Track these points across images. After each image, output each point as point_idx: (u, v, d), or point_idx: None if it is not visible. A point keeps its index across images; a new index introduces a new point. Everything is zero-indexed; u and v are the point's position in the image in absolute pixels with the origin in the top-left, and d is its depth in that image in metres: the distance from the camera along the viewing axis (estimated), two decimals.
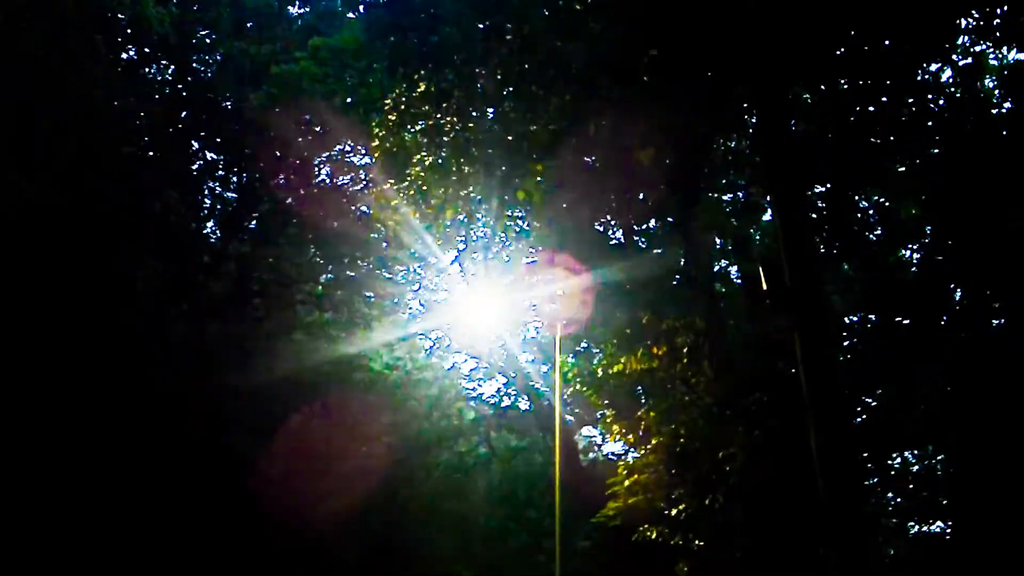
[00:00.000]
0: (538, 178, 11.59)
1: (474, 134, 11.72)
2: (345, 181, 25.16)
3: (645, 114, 9.95)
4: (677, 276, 15.14)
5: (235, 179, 25.43)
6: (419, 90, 11.94)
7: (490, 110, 11.87)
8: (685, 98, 9.67)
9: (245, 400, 22.83)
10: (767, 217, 22.37)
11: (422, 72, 11.70)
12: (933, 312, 15.61)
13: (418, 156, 12.57)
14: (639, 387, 15.25)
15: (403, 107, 12.40)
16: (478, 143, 11.73)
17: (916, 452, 17.91)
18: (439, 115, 11.91)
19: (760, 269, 9.39)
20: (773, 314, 9.83)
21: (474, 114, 11.71)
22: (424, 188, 12.89)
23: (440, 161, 12.33)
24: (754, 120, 11.12)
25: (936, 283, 15.14)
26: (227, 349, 23.32)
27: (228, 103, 20.35)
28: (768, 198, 12.42)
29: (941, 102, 10.75)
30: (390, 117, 12.81)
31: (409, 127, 12.55)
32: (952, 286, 15.44)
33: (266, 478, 21.28)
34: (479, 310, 21.64)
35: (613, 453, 27.85)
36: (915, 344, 15.37)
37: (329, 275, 27.34)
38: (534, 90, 10.24)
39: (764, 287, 9.34)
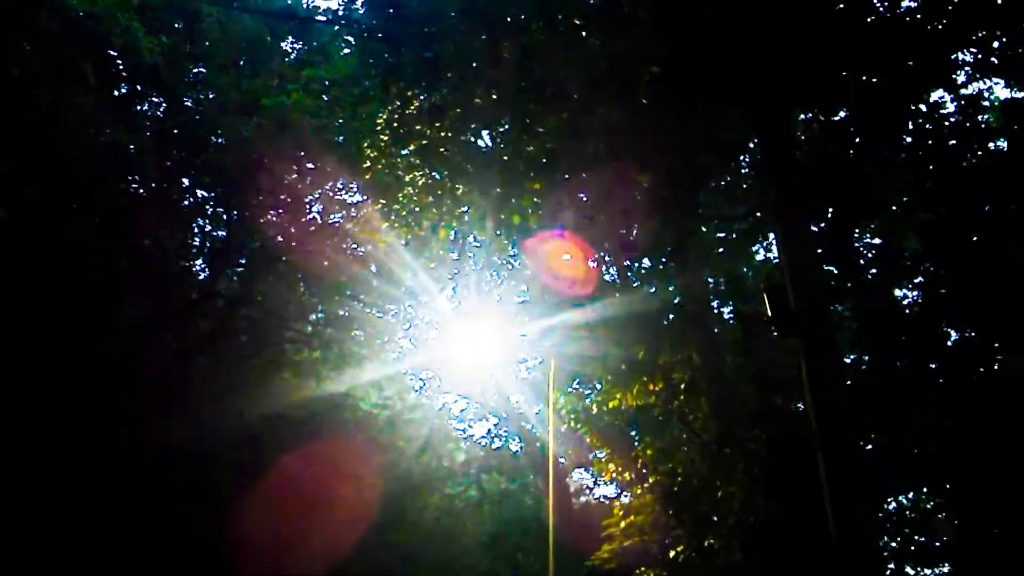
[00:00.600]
0: (534, 198, 11.37)
1: (469, 152, 11.51)
2: (337, 219, 25.00)
3: (643, 136, 9.79)
4: (672, 312, 14.94)
5: (224, 215, 25.19)
6: (413, 107, 11.76)
7: (485, 132, 11.71)
8: (684, 120, 9.52)
9: (230, 439, 22.39)
10: (761, 258, 22.36)
11: (416, 89, 11.51)
12: (931, 349, 15.42)
13: (411, 176, 12.33)
14: (635, 424, 14.94)
15: (396, 125, 12.19)
16: (473, 161, 11.51)
17: (912, 495, 17.60)
18: (433, 133, 11.69)
19: (764, 295, 9.17)
20: (779, 339, 9.57)
21: (470, 131, 11.49)
22: (416, 209, 12.65)
23: (433, 181, 12.09)
24: (753, 145, 11.05)
25: (935, 319, 14.96)
26: (213, 386, 22.88)
27: (219, 138, 20.17)
28: (770, 225, 12.25)
29: (942, 132, 10.65)
30: (382, 137, 12.61)
31: (402, 146, 12.32)
32: (951, 322, 15.27)
33: (250, 519, 20.75)
34: (471, 346, 21.36)
35: (606, 496, 27.45)
36: (913, 383, 15.16)
37: (319, 313, 27.00)
38: (531, 107, 10.06)
39: (769, 312, 9.11)
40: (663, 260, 15.82)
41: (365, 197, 18.14)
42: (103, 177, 21.32)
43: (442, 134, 11.62)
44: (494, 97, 10.49)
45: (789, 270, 8.90)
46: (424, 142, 11.83)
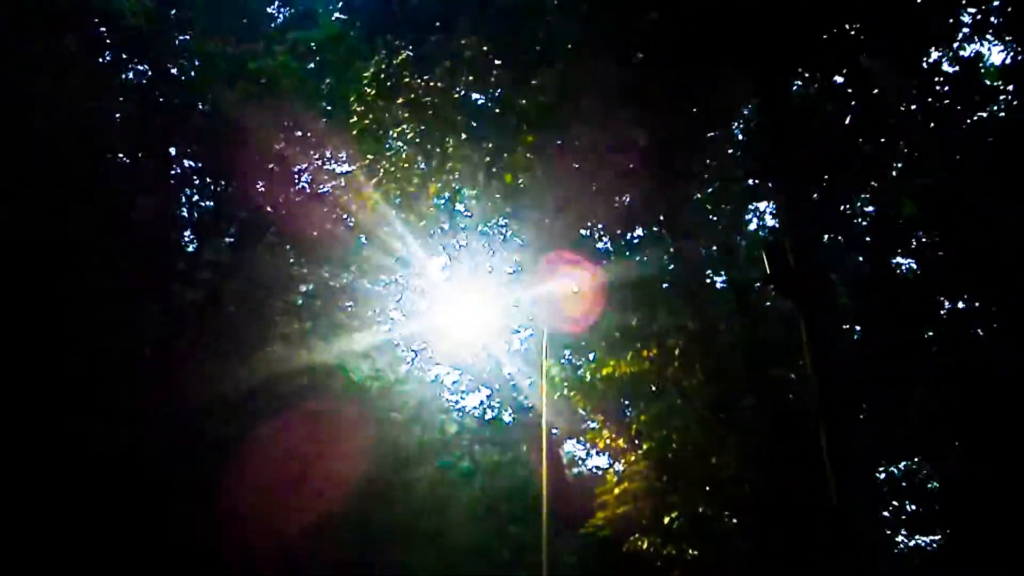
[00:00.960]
0: (527, 154, 11.05)
1: (459, 105, 11.16)
2: (326, 189, 24.64)
3: (639, 93, 9.50)
4: (666, 278, 14.76)
5: (212, 185, 24.79)
6: (400, 58, 11.37)
7: (475, 85, 11.28)
8: (680, 78, 9.23)
9: (217, 411, 22.19)
10: (754, 227, 22.15)
11: (403, 40, 11.08)
12: (929, 318, 15.27)
13: (399, 131, 11.99)
14: (628, 392, 14.77)
15: (383, 78, 11.81)
16: (463, 113, 11.16)
17: (905, 464, 17.53)
18: (421, 85, 11.32)
19: (763, 253, 8.96)
20: (777, 297, 9.37)
21: (460, 84, 11.11)
22: (405, 165, 12.30)
23: (422, 135, 11.74)
24: (750, 109, 10.79)
25: (932, 287, 14.80)
26: (200, 358, 22.62)
27: (205, 104, 19.75)
28: (767, 187, 12.02)
29: (941, 93, 10.40)
30: (368, 91, 12.24)
31: (389, 100, 11.94)
32: (947, 292, 15.10)
33: (237, 491, 20.56)
34: (463, 315, 21.12)
35: (599, 468, 27.39)
36: (909, 351, 15.01)
37: (309, 285, 26.69)
38: (523, 59, 9.71)
39: (768, 270, 8.90)
40: (656, 227, 15.63)
41: (355, 165, 17.69)
42: (85, 147, 20.92)
43: (431, 84, 11.25)
44: (484, 49, 10.15)
45: (788, 231, 8.68)
46: (412, 96, 11.46)
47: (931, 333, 15.43)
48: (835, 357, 8.38)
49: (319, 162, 23.09)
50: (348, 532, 24.32)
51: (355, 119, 12.73)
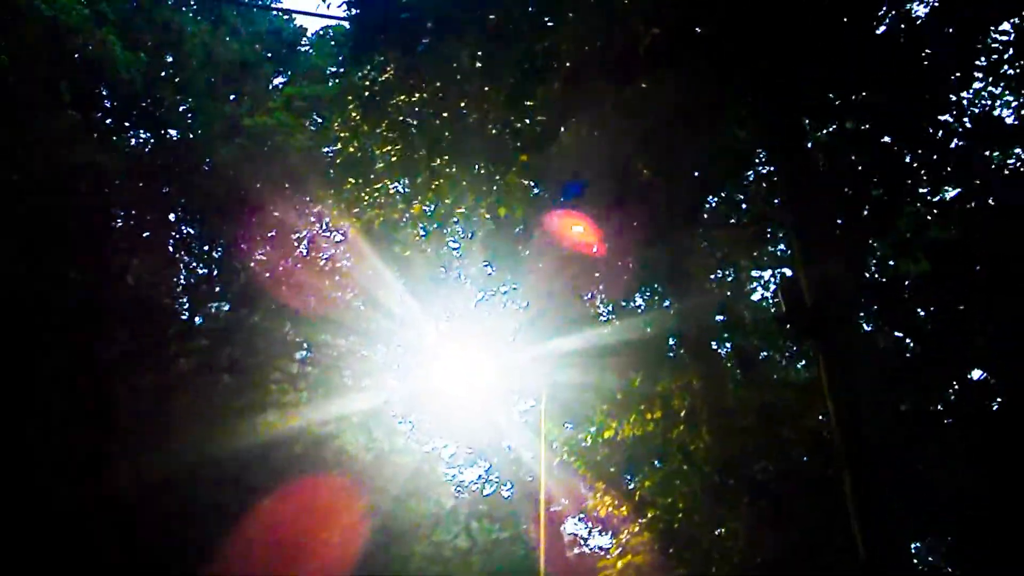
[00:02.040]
0: (523, 180, 10.59)
1: (449, 121, 10.70)
2: (326, 255, 24.40)
3: (642, 116, 9.13)
4: (671, 337, 14.23)
5: (208, 248, 24.58)
6: (388, 74, 10.94)
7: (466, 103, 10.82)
8: (688, 96, 8.85)
9: (210, 481, 21.49)
10: (757, 296, 21.68)
11: (392, 53, 10.66)
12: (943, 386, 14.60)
13: (384, 150, 11.52)
14: (631, 456, 14.08)
15: (368, 95, 11.37)
16: (453, 130, 10.68)
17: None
18: (409, 100, 10.86)
19: (780, 292, 8.44)
20: (795, 339, 8.80)
21: (449, 98, 10.60)
22: (390, 191, 11.82)
23: (408, 153, 11.24)
24: (759, 155, 10.45)
25: (943, 352, 14.17)
26: (193, 427, 21.99)
27: (205, 165, 19.61)
28: (780, 227, 11.55)
29: (962, 129, 10.02)
30: (353, 114, 11.83)
31: (375, 118, 11.49)
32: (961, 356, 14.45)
33: (228, 563, 19.73)
34: (460, 381, 20.55)
35: (601, 547, 26.32)
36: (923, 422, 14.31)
37: (305, 351, 26.21)
38: (516, 76, 9.32)
39: (784, 310, 8.37)
40: (659, 286, 15.17)
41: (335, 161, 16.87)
42: (79, 203, 20.75)
43: (419, 98, 10.80)
44: (478, 65, 9.80)
45: (806, 271, 8.14)
46: (400, 117, 11.05)
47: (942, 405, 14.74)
48: (861, 404, 7.75)
49: (318, 226, 22.85)
50: None
51: (339, 146, 12.38)
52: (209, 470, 21.97)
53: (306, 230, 23.51)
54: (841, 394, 7.83)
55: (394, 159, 11.54)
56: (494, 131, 10.39)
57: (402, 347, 24.28)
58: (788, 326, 8.89)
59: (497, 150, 10.49)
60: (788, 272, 14.36)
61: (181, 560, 19.86)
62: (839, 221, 10.17)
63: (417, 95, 10.79)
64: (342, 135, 12.42)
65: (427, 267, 19.17)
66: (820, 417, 13.74)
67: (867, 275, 12.45)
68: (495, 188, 10.90)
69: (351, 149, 12.26)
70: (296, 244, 24.01)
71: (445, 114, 10.58)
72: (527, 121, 9.91)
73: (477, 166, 10.88)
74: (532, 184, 10.96)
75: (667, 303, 14.90)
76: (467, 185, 11.15)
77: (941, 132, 10.28)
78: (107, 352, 22.66)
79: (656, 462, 13.44)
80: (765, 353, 19.72)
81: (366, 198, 12.53)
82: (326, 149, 16.42)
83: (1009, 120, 10.67)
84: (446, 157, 10.97)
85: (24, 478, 18.39)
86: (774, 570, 12.00)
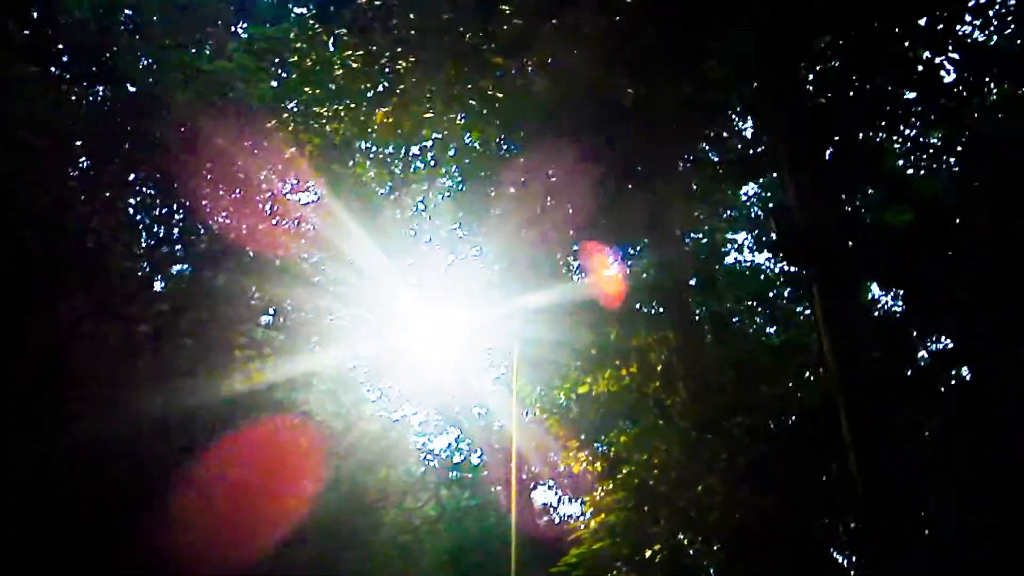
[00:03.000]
0: (494, 91, 9.89)
1: (417, 16, 9.93)
2: (292, 217, 23.58)
3: (626, 43, 8.52)
4: (647, 291, 13.76)
5: (167, 211, 23.73)
6: None
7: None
8: (669, 39, 8.29)
9: (167, 447, 20.88)
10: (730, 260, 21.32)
11: None
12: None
13: (344, 55, 10.77)
14: (606, 414, 13.61)
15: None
16: (421, 27, 9.91)
17: None
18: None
19: (771, 218, 7.94)
20: (789, 265, 8.30)
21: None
22: (349, 101, 11.06)
23: (369, 59, 10.49)
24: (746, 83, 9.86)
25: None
26: (154, 389, 21.29)
27: (162, 115, 18.68)
28: (771, 158, 10.98)
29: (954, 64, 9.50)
30: (311, 22, 11.04)
31: (333, 24, 10.76)
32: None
33: (189, 542, 19.10)
34: (430, 339, 20.01)
35: (570, 516, 26.03)
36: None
37: (270, 315, 25.49)
38: None
39: (775, 237, 7.86)
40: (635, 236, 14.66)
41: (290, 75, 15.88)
42: (36, 162, 19.84)
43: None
44: None
45: (799, 202, 7.59)
46: (359, 18, 10.26)
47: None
48: (860, 337, 7.25)
49: (283, 183, 22.01)
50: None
51: (295, 58, 11.64)
52: (175, 436, 21.42)
53: (270, 187, 22.70)
54: (837, 324, 7.34)
55: (355, 64, 10.79)
56: (467, 34, 9.67)
57: (371, 311, 23.59)
58: (782, 255, 8.37)
59: (469, 54, 9.77)
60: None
61: (130, 527, 19.24)
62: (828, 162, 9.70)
63: None
64: (298, 45, 11.67)
65: (396, 224, 18.58)
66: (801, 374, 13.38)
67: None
68: (468, 103, 10.18)
69: (309, 62, 11.52)
70: (260, 203, 23.19)
71: (411, 15, 9.86)
72: (504, 26, 9.24)
73: (447, 73, 10.13)
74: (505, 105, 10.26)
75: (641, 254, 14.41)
76: (435, 96, 10.44)
77: (931, 67, 9.81)
78: (66, 315, 21.89)
79: (631, 419, 12.97)
80: (736, 319, 19.42)
81: (325, 112, 11.78)
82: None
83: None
84: (412, 60, 10.25)
85: None
86: (752, 529, 11.62)
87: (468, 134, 10.58)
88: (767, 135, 10.71)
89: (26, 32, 17.04)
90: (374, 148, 12.11)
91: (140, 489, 19.51)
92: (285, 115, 13.97)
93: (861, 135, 10.07)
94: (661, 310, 13.18)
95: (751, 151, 12.07)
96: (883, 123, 9.97)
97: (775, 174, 11.26)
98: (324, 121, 11.95)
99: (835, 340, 7.48)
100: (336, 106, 11.64)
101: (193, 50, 17.96)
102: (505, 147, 13.99)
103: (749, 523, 11.57)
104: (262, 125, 16.28)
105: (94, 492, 18.72)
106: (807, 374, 13.21)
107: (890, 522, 7.08)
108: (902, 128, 10.41)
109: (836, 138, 10.15)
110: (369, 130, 11.92)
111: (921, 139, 10.64)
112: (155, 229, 25.22)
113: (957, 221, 12.13)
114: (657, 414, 12.39)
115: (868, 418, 7.30)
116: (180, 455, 20.62)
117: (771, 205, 14.07)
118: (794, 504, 11.61)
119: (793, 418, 12.62)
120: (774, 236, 7.94)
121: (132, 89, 20.89)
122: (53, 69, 19.22)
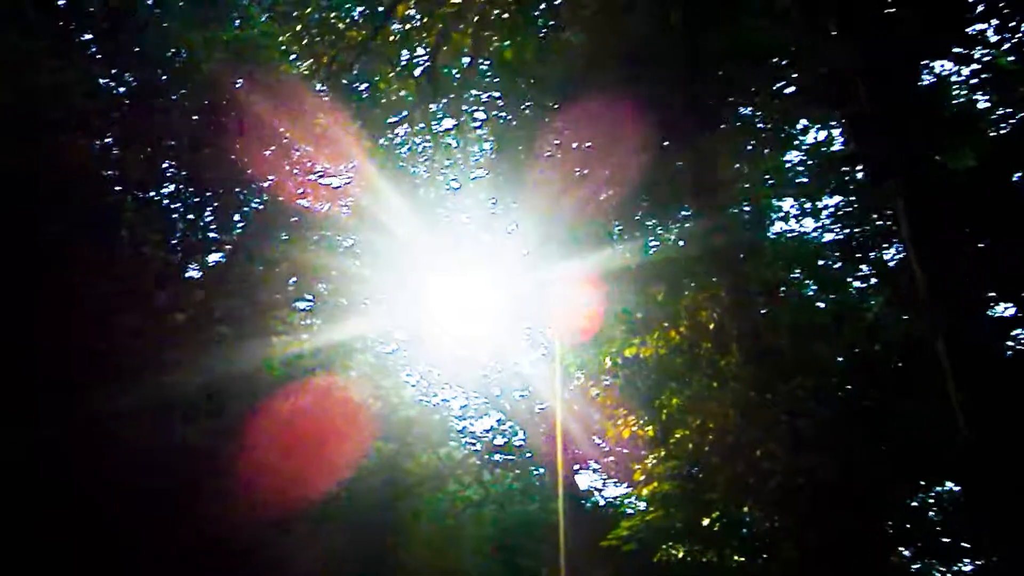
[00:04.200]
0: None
1: None
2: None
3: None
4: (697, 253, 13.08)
5: (200, 200, 23.48)
6: None
7: None
8: None
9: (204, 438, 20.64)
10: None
11: None
12: None
13: None
14: (656, 379, 12.95)
15: None
16: None
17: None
18: None
19: (848, 126, 7.26)
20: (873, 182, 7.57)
21: None
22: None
23: None
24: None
25: None
26: (190, 373, 21.04)
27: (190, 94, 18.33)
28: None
29: None
30: None
31: None
32: None
33: (222, 534, 18.80)
34: (469, 318, 19.53)
35: (616, 499, 25.45)
36: None
37: (309, 302, 25.18)
38: None
39: (852, 146, 7.19)
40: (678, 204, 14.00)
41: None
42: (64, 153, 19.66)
43: None
44: None
45: (874, 114, 6.88)
46: None
47: None
48: (951, 252, 6.57)
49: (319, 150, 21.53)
50: (347, 567, 22.53)
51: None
52: (212, 422, 21.17)
53: (305, 158, 22.26)
54: (922, 236, 6.64)
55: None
56: None
57: (408, 293, 23.19)
58: (862, 165, 7.68)
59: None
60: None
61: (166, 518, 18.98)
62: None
63: None
64: None
65: (431, 203, 18.11)
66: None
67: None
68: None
69: None
70: (296, 176, 22.78)
71: None
72: None
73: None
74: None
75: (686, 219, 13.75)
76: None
77: None
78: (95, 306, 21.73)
79: (682, 383, 12.30)
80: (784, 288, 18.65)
81: (338, 24, 11.09)
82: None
83: None
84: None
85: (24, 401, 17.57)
86: (816, 495, 10.94)
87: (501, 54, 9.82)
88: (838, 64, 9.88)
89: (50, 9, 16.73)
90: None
91: (173, 477, 19.26)
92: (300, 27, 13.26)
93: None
94: (710, 274, 12.48)
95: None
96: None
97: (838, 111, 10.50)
98: (343, 28, 11.30)
99: (920, 253, 6.77)
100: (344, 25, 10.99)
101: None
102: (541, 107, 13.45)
103: (813, 488, 10.89)
104: (293, 92, 15.83)
105: (121, 482, 18.48)
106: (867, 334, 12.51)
107: (998, 446, 6.40)
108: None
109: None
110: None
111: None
112: (189, 217, 25.07)
113: None
114: (711, 376, 11.72)
115: (969, 342, 6.60)
116: (215, 440, 20.36)
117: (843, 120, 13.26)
118: (860, 467, 10.92)
119: (850, 378, 11.92)
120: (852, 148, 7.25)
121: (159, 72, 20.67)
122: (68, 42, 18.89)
